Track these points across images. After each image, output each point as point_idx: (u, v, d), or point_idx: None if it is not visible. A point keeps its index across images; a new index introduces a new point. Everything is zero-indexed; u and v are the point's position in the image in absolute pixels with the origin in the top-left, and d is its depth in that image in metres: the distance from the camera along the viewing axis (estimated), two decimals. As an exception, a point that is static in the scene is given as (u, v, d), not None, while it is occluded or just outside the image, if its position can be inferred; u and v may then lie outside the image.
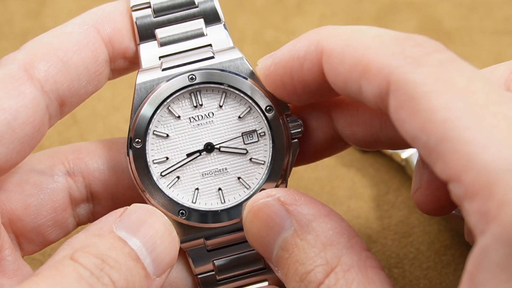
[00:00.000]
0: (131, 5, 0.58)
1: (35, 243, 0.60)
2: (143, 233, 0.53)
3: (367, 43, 0.51)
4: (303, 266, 0.51)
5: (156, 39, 0.59)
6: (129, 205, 0.56)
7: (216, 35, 0.59)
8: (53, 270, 0.49)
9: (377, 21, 0.94)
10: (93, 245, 0.51)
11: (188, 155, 0.57)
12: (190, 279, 0.60)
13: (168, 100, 0.57)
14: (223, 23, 0.59)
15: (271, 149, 0.58)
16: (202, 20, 0.59)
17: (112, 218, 0.54)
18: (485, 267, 0.43)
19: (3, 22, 0.95)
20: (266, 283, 0.60)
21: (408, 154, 0.78)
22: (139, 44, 0.59)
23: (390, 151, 0.79)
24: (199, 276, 0.59)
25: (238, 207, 0.57)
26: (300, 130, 0.58)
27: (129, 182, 0.60)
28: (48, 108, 0.56)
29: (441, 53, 0.49)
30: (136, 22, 0.58)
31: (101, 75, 0.59)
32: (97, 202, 0.62)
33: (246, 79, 0.58)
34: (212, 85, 0.57)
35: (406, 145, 0.57)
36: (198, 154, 0.57)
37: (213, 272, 0.58)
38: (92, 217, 0.62)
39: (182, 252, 0.58)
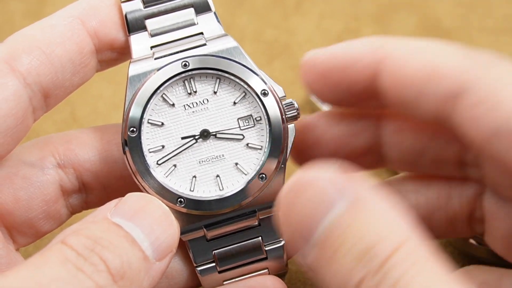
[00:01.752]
0: None
1: (28, 236, 0.59)
2: (139, 219, 0.52)
3: (435, 49, 0.52)
4: (363, 240, 0.44)
5: (146, 30, 0.59)
6: (122, 195, 0.56)
7: (207, 23, 0.59)
8: (39, 256, 0.48)
9: (377, 21, 0.94)
10: (87, 228, 0.50)
11: (183, 138, 0.57)
12: (187, 270, 0.60)
13: (161, 88, 0.57)
14: (213, 11, 0.59)
15: (268, 133, 0.57)
16: (192, 9, 0.59)
17: (107, 208, 0.53)
18: None
19: (3, 22, 0.95)
20: (266, 271, 0.59)
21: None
22: (129, 35, 0.58)
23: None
24: (199, 268, 0.58)
25: (238, 193, 0.57)
26: (296, 113, 0.58)
27: (121, 172, 0.59)
28: (31, 100, 0.55)
29: (507, 61, 0.50)
30: (126, 14, 0.58)
31: (87, 66, 0.58)
32: (90, 192, 0.61)
33: (239, 63, 0.58)
34: (206, 71, 0.57)
35: (449, 169, 0.57)
36: (193, 140, 0.57)
37: (214, 263, 0.58)
38: (86, 206, 0.62)
39: (179, 244, 0.58)
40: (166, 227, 0.53)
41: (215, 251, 0.58)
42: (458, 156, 0.56)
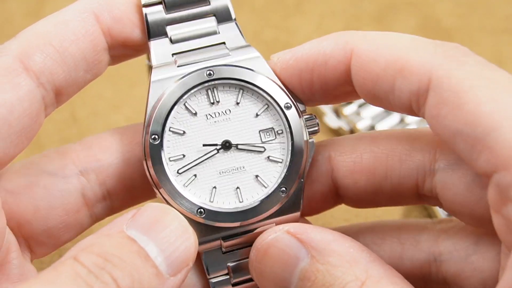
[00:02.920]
0: (142, 3, 0.57)
1: (47, 246, 0.58)
2: (155, 232, 0.50)
3: (404, 44, 0.52)
4: (332, 287, 0.50)
5: (167, 36, 0.58)
6: (147, 196, 0.55)
7: (229, 33, 0.58)
8: (51, 270, 0.47)
9: (377, 21, 0.94)
10: (99, 244, 0.49)
11: (205, 145, 0.56)
12: (200, 283, 0.59)
13: (185, 96, 0.56)
14: (235, 21, 0.58)
15: (289, 147, 0.57)
16: (214, 18, 0.58)
17: (124, 219, 0.51)
18: None
19: (3, 22, 0.95)
20: None
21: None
22: (150, 41, 0.57)
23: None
24: (213, 281, 0.57)
25: (257, 206, 0.56)
26: (316, 128, 0.57)
27: (145, 172, 0.57)
28: (44, 99, 0.55)
29: (475, 56, 0.50)
30: (147, 19, 0.57)
31: (100, 63, 0.57)
32: (115, 198, 0.60)
33: (263, 75, 0.57)
34: (230, 81, 0.56)
35: (410, 201, 0.58)
36: (215, 150, 0.56)
37: (227, 276, 0.57)
38: (110, 212, 0.61)
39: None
40: (183, 241, 0.51)
41: (230, 264, 0.57)
42: (414, 189, 0.56)
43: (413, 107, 0.52)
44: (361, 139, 0.58)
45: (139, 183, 0.59)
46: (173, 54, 0.57)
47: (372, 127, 0.84)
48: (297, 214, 0.57)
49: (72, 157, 0.58)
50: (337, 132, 0.85)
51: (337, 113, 0.86)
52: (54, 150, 0.59)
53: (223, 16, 0.58)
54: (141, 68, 0.89)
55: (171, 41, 0.57)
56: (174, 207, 0.55)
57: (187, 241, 0.51)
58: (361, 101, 0.85)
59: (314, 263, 0.51)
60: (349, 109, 0.85)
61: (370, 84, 0.53)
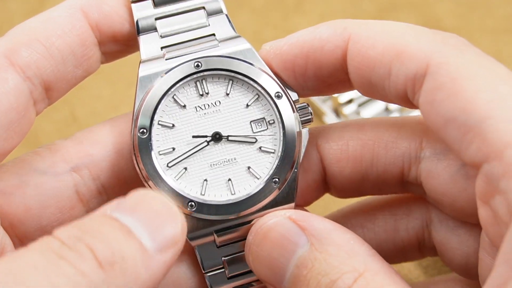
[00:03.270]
0: None
1: None
2: (139, 212, 0.49)
3: (403, 31, 0.52)
4: (327, 276, 0.50)
5: (156, 31, 0.57)
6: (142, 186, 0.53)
7: (219, 25, 0.58)
8: (22, 248, 0.46)
9: (377, 20, 0.94)
10: (79, 221, 0.48)
11: (194, 136, 0.56)
12: (195, 278, 0.58)
13: (173, 89, 0.55)
14: (225, 13, 0.58)
15: (281, 137, 0.56)
16: (203, 11, 0.58)
17: (108, 205, 0.50)
18: None
19: (3, 22, 0.95)
20: None
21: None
22: (139, 36, 0.57)
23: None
24: (208, 274, 0.57)
25: (250, 198, 0.55)
26: (310, 117, 0.56)
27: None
28: (32, 93, 0.54)
29: (474, 47, 0.50)
30: (135, 15, 0.57)
31: (91, 59, 0.57)
32: (111, 191, 0.59)
33: (253, 65, 0.56)
34: (218, 72, 0.56)
35: (395, 189, 0.58)
36: (205, 142, 0.56)
37: (223, 269, 0.57)
38: None
39: (187, 251, 0.57)
40: (168, 219, 0.50)
41: (225, 257, 0.56)
42: (399, 177, 0.56)
43: (408, 93, 0.51)
44: (347, 127, 0.58)
45: (134, 174, 0.58)
46: (162, 48, 0.57)
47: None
48: (292, 205, 0.56)
49: (63, 153, 0.58)
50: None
51: (337, 113, 0.86)
52: (46, 147, 0.58)
53: (212, 9, 0.58)
54: (140, 68, 0.90)
55: (161, 36, 0.57)
56: None
57: (173, 221, 0.50)
58: (361, 100, 0.85)
59: (313, 251, 0.51)
60: (349, 109, 0.85)
61: (366, 69, 0.53)
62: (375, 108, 0.84)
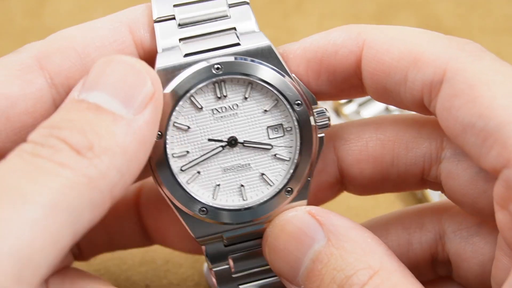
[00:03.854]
0: None
1: None
2: (102, 84, 0.48)
3: (418, 36, 0.52)
4: (343, 272, 0.50)
5: (174, 19, 0.54)
6: None
7: (241, 17, 0.55)
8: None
9: (377, 20, 0.94)
10: (49, 119, 0.47)
11: (210, 140, 0.54)
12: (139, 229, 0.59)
13: (191, 91, 0.53)
14: (248, 3, 0.55)
15: (298, 145, 0.55)
16: (225, 0, 0.55)
17: (75, 88, 0.49)
18: None
19: (3, 21, 0.95)
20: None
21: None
22: (155, 22, 0.54)
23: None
24: (215, 270, 0.56)
25: (260, 205, 0.54)
26: (327, 122, 0.55)
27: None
28: (56, 101, 0.53)
29: (490, 53, 0.50)
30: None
31: None
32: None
33: (274, 69, 0.54)
34: (238, 76, 0.54)
35: (414, 186, 0.58)
36: (220, 146, 0.54)
37: (228, 266, 0.56)
38: None
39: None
40: (135, 78, 0.48)
41: (232, 256, 0.56)
42: (420, 176, 0.56)
43: (424, 100, 0.51)
44: (366, 126, 0.57)
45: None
46: (180, 40, 0.54)
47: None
48: (304, 201, 0.56)
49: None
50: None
51: (337, 112, 0.86)
52: None
53: None
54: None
55: (179, 25, 0.54)
56: (176, 205, 0.54)
57: (140, 78, 0.49)
58: (361, 100, 0.85)
59: (329, 246, 0.51)
60: (349, 108, 0.85)
61: (381, 75, 0.52)
62: (375, 108, 0.84)
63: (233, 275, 0.57)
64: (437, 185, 0.56)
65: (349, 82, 0.55)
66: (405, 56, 0.51)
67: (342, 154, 0.57)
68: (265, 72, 0.54)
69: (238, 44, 0.54)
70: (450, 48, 0.50)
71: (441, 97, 0.49)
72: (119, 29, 0.54)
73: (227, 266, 0.56)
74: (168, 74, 0.53)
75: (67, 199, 0.44)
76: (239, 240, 0.56)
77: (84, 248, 0.63)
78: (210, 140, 0.54)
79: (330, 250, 0.51)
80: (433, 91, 0.50)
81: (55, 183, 0.44)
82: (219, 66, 0.53)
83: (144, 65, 0.49)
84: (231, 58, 0.54)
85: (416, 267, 0.59)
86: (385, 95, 0.53)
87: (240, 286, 0.57)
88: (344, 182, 0.59)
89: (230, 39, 0.54)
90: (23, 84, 0.52)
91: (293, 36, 0.93)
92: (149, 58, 0.54)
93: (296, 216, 0.53)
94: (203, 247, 0.56)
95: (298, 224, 0.53)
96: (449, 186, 0.54)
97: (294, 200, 0.55)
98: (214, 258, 0.56)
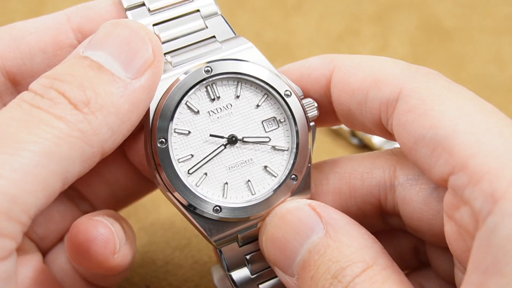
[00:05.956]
0: (125, 6, 0.57)
1: None
2: (106, 44, 0.52)
3: (382, 62, 0.55)
4: (338, 263, 0.51)
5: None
6: None
7: (217, 26, 0.58)
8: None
9: (377, 21, 0.94)
10: (52, 70, 0.50)
11: (212, 135, 0.56)
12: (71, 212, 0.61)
13: (186, 96, 0.56)
14: (220, 14, 0.59)
15: (294, 134, 0.57)
16: (199, 13, 0.58)
17: (82, 44, 0.52)
18: (496, 244, 0.44)
19: (3, 22, 0.95)
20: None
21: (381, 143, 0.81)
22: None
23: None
24: (234, 275, 0.57)
25: (270, 196, 0.56)
26: (316, 112, 0.58)
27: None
28: None
29: (446, 78, 0.53)
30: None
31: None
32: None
33: (260, 65, 0.57)
34: (227, 75, 0.56)
35: (375, 221, 0.59)
36: (222, 145, 0.56)
37: (245, 267, 0.57)
38: None
39: None
40: (138, 44, 0.52)
41: (247, 256, 0.57)
42: (378, 207, 0.58)
43: (382, 119, 0.54)
44: (325, 163, 0.60)
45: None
46: (165, 54, 0.57)
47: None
48: (308, 196, 0.57)
49: None
50: (337, 132, 0.85)
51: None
52: None
53: (208, 11, 0.59)
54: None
55: (162, 42, 0.57)
56: (189, 209, 0.55)
57: (142, 43, 0.52)
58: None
59: (327, 238, 0.53)
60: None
61: (346, 96, 0.55)
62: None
63: (252, 276, 0.58)
64: (396, 218, 0.58)
65: (322, 107, 0.58)
66: (367, 78, 0.54)
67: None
68: (252, 68, 0.57)
69: (220, 48, 0.57)
70: (407, 70, 0.53)
71: (396, 113, 0.52)
72: (56, 18, 0.58)
73: (244, 269, 0.58)
74: (162, 87, 0.56)
75: (59, 150, 0.47)
76: (254, 238, 0.57)
77: (97, 205, 0.64)
78: (211, 135, 0.56)
79: (328, 242, 0.52)
80: (389, 108, 0.53)
81: (50, 134, 0.47)
82: (209, 68, 0.56)
83: (148, 32, 0.53)
84: (219, 59, 0.57)
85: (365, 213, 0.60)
86: (350, 117, 0.57)
87: (260, 286, 0.58)
88: None
89: (213, 46, 0.57)
90: None
91: (293, 36, 0.93)
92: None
93: (297, 207, 0.54)
94: (219, 252, 0.57)
95: (298, 215, 0.54)
96: (406, 213, 0.56)
97: (299, 187, 0.57)
98: (231, 261, 0.57)
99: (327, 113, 0.58)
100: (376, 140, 0.83)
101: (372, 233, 0.54)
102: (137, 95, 0.51)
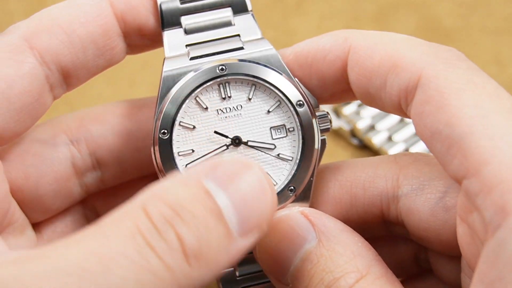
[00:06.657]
0: None
1: (38, 213, 0.59)
2: (234, 188, 0.45)
3: (400, 42, 0.53)
4: (331, 273, 0.50)
5: (181, 27, 0.57)
6: (138, 170, 0.55)
7: (244, 25, 0.58)
8: (111, 223, 0.43)
9: (377, 21, 0.94)
10: (173, 192, 0.44)
11: (216, 133, 0.56)
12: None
13: (196, 91, 0.55)
14: (251, 12, 0.58)
15: (300, 145, 0.56)
16: (229, 8, 0.58)
17: (204, 168, 0.46)
18: (503, 260, 0.43)
19: (3, 22, 0.95)
20: None
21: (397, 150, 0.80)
22: (163, 31, 0.57)
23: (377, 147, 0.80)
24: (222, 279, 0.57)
25: None
26: (328, 126, 0.57)
27: (136, 144, 0.59)
28: (49, 78, 0.55)
29: (469, 61, 0.51)
30: (161, 7, 0.57)
31: (114, 49, 0.57)
32: (105, 169, 0.60)
33: (277, 71, 0.56)
34: (242, 77, 0.56)
35: (374, 230, 0.57)
36: (224, 146, 0.56)
37: (232, 269, 0.57)
38: (102, 185, 0.61)
39: None
40: (260, 200, 0.46)
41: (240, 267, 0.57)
42: (380, 217, 0.57)
43: (401, 105, 0.52)
44: (326, 169, 0.58)
45: (129, 157, 0.60)
46: (187, 45, 0.56)
47: (372, 127, 0.84)
48: (306, 204, 0.56)
49: (63, 127, 0.59)
50: (337, 132, 0.85)
51: (337, 113, 0.86)
52: (47, 121, 0.60)
53: (239, 7, 0.58)
54: (140, 68, 0.90)
55: (185, 32, 0.57)
56: None
57: (264, 201, 0.46)
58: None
59: (320, 247, 0.52)
60: (348, 109, 0.85)
61: (364, 80, 0.53)
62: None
63: (237, 278, 0.57)
64: (400, 227, 0.57)
65: (339, 87, 0.56)
66: (385, 62, 0.52)
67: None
68: (268, 74, 0.56)
69: (242, 48, 0.56)
70: (427, 54, 0.51)
71: (415, 102, 0.50)
72: (100, 3, 0.56)
73: (231, 269, 0.57)
74: (175, 78, 0.55)
75: None
76: None
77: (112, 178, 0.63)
78: (216, 132, 0.56)
79: (321, 251, 0.51)
80: (408, 96, 0.51)
81: (153, 286, 0.42)
82: (223, 67, 0.55)
83: (273, 191, 0.47)
84: (235, 60, 0.56)
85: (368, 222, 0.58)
86: (370, 99, 0.55)
87: None
88: None
89: (234, 44, 0.56)
90: (16, 65, 0.53)
91: (293, 36, 0.93)
92: (132, 30, 0.57)
93: (289, 215, 0.54)
94: None
95: (291, 223, 0.53)
96: (411, 223, 0.55)
97: (297, 199, 0.56)
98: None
99: (346, 91, 0.56)
100: (376, 140, 0.83)
101: (372, 239, 0.54)
102: (237, 255, 0.45)
